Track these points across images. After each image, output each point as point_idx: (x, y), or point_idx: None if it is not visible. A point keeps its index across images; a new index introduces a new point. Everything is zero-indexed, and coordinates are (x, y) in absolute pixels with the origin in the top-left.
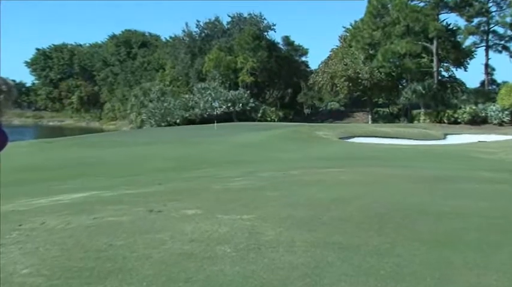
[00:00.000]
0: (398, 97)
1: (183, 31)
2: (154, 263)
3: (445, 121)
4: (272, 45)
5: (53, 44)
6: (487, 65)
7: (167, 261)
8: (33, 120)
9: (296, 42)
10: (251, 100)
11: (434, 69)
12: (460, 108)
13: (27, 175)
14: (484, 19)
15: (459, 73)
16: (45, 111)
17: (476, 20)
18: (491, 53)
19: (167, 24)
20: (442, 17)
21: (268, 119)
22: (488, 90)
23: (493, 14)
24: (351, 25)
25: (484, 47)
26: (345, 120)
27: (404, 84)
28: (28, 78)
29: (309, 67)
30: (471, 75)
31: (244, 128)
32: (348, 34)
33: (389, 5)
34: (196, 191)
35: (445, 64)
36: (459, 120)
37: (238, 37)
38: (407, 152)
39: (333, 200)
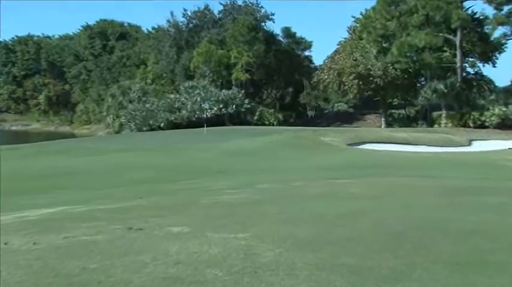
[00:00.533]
0: (416, 97)
1: (168, 21)
2: None
3: (470, 125)
4: (270, 37)
5: (16, 36)
6: None
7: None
8: None
9: (298, 34)
10: (246, 101)
11: (458, 64)
12: (488, 110)
13: None
14: None
15: (487, 69)
16: (8, 114)
17: (506, 8)
18: None
19: (149, 13)
20: (466, 4)
21: (266, 122)
22: None
23: None
24: (361, 14)
25: None
26: (355, 124)
27: (423, 82)
28: None
29: (313, 63)
30: (500, 72)
31: (238, 132)
32: (358, 25)
33: None
34: (183, 205)
35: (470, 59)
36: (486, 124)
37: (231, 28)
38: (427, 160)
39: (340, 216)
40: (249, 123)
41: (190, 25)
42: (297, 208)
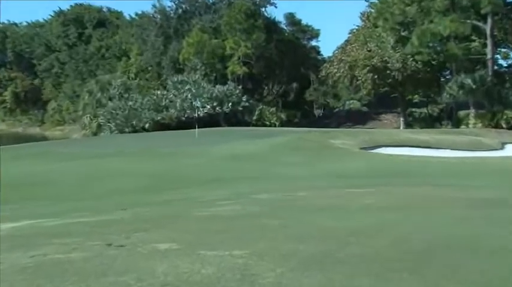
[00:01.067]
0: (439, 94)
1: (154, 6)
2: None
3: (503, 125)
4: (272, 25)
5: None
6: None
7: None
8: None
9: (304, 22)
10: (244, 98)
11: (489, 56)
12: None
13: None
14: None
15: None
16: None
17: None
18: None
19: None
20: None
21: (267, 122)
22: None
23: None
24: None
25: None
26: (369, 124)
27: (448, 76)
28: None
29: (321, 54)
30: None
31: (234, 134)
32: (372, 11)
33: None
34: (171, 218)
35: (503, 50)
36: None
37: (226, 14)
38: (453, 167)
39: (353, 232)
40: (247, 124)
41: (180, 11)
42: (302, 222)
